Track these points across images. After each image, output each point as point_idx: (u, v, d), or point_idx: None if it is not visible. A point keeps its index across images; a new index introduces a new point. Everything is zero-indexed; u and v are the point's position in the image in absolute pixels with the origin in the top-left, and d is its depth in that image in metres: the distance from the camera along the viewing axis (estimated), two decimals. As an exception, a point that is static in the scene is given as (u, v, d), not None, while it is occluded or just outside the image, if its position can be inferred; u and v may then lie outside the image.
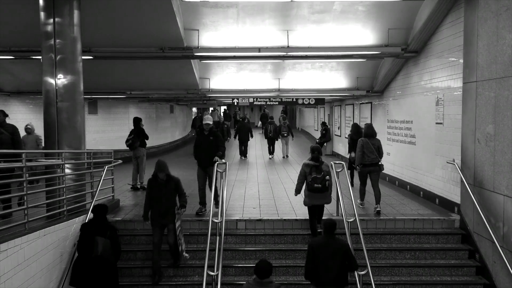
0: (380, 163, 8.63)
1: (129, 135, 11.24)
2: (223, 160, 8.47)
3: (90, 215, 7.10)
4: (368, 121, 14.35)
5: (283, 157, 18.57)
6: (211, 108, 37.56)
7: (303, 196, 7.59)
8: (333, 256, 5.44)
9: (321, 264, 5.45)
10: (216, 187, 7.93)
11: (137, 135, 11.22)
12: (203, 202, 8.70)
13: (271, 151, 18.59)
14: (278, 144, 19.90)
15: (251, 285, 5.12)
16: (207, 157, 8.41)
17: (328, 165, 7.56)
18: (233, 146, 22.01)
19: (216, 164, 8.11)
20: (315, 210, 7.52)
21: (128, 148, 11.33)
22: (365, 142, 8.66)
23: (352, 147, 10.40)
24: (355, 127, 10.79)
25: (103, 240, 6.15)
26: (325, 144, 19.98)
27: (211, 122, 8.63)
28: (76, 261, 6.37)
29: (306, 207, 7.67)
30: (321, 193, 7.30)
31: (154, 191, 7.08)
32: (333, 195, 7.75)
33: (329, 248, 5.49)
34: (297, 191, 7.66)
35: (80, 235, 6.33)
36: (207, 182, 8.77)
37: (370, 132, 8.88)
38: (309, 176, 7.31)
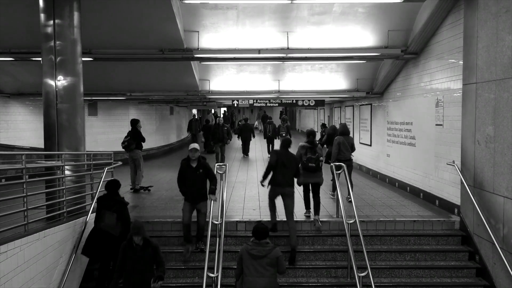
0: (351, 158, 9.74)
1: (126, 137, 11.19)
2: (216, 197, 7.36)
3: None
4: (368, 123, 14.37)
5: None
6: (213, 110, 37.56)
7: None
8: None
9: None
10: (203, 225, 7.41)
11: (133, 137, 11.13)
12: (188, 239, 7.47)
13: (270, 150, 18.83)
14: (277, 144, 19.89)
15: (250, 246, 5.64)
16: (196, 193, 7.28)
17: (320, 148, 8.45)
18: (232, 149, 22.03)
19: (211, 201, 7.27)
20: (308, 188, 8.19)
21: (124, 150, 11.26)
22: (341, 140, 9.47)
23: (328, 142, 11.25)
24: (344, 126, 10.58)
25: (109, 214, 6.59)
26: (325, 145, 19.93)
27: (198, 150, 7.29)
28: (90, 232, 6.88)
29: (306, 208, 8.37)
30: (314, 172, 7.96)
31: (128, 257, 5.80)
32: (334, 197, 7.80)
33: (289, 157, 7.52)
34: (299, 181, 8.05)
35: (96, 207, 6.93)
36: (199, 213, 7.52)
37: (346, 130, 9.78)
38: (304, 156, 7.96)
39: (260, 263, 5.55)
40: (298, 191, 8.33)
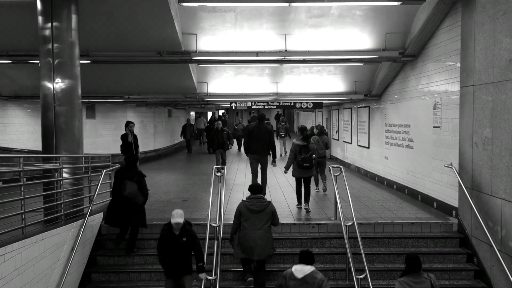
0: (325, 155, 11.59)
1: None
2: (206, 276, 6.14)
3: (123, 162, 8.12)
4: (366, 125, 14.39)
5: (281, 155, 19.46)
6: (214, 112, 37.26)
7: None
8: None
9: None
10: None
11: (123, 144, 10.91)
12: None
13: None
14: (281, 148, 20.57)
15: (248, 202, 6.60)
16: (179, 266, 5.97)
17: (313, 143, 9.59)
18: (231, 153, 22.01)
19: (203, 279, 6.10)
20: (301, 181, 8.97)
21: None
22: (316, 140, 10.80)
23: None
24: (321, 128, 14.29)
25: (131, 183, 7.38)
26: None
27: (181, 220, 5.88)
28: (110, 202, 7.69)
29: (305, 211, 8.88)
30: (309, 169, 8.82)
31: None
32: (331, 199, 7.82)
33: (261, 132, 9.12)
34: (287, 169, 9.16)
35: (114, 180, 7.63)
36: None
37: (322, 131, 12.34)
38: (299, 155, 8.72)
39: (258, 216, 6.49)
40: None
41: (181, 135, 23.95)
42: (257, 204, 6.56)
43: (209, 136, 19.74)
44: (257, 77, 13.98)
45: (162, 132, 24.57)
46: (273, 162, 9.73)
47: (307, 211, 8.82)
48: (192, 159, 21.30)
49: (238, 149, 23.48)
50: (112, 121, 19.99)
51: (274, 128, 27.90)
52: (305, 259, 5.16)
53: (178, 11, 8.90)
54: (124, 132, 11.16)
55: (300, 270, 5.05)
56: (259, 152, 9.52)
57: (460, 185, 7.65)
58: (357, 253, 6.94)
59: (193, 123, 25.30)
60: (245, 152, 9.87)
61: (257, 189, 6.85)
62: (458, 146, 7.82)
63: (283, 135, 20.67)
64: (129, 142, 10.91)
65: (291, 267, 5.16)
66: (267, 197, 10.39)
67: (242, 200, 6.77)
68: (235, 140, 22.36)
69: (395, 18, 9.49)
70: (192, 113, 35.81)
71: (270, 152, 9.66)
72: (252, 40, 10.10)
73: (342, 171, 8.22)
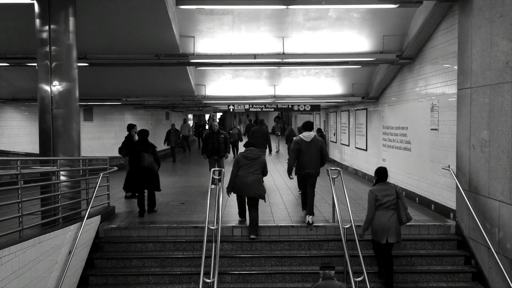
0: None
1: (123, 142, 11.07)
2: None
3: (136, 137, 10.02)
4: (363, 128, 14.41)
5: (277, 151, 22.53)
6: (211, 114, 37.04)
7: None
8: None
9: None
10: None
11: (124, 143, 10.93)
12: None
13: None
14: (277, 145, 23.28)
15: (244, 152, 8.18)
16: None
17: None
18: (227, 161, 21.94)
19: None
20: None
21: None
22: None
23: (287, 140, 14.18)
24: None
25: (148, 155, 8.81)
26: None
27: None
28: (128, 172, 9.28)
29: (303, 215, 8.63)
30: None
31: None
32: (329, 201, 7.83)
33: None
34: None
35: (131, 153, 9.16)
36: None
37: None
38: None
39: (252, 164, 7.98)
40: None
41: (164, 142, 21.15)
42: (252, 153, 8.12)
43: (204, 141, 18.88)
44: (254, 79, 14.00)
45: (160, 134, 24.53)
46: (270, 153, 12.76)
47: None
48: (191, 161, 21.25)
49: (234, 157, 23.26)
50: (110, 123, 19.98)
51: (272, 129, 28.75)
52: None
53: (176, 13, 8.91)
54: (126, 134, 11.18)
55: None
56: (259, 146, 11.19)
57: (457, 187, 7.67)
58: (355, 256, 6.95)
59: (179, 129, 23.31)
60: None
61: (250, 144, 8.44)
62: (456, 148, 7.83)
63: (278, 134, 24.36)
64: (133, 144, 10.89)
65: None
66: (265, 198, 10.41)
67: (240, 152, 8.40)
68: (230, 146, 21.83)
69: (393, 21, 9.52)
70: (190, 116, 35.71)
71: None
72: (249, 43, 10.11)
73: (340, 173, 8.22)
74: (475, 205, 7.09)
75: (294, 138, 8.98)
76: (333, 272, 5.43)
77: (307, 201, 8.37)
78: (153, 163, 8.90)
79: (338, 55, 10.23)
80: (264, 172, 8.21)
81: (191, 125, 31.87)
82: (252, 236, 7.85)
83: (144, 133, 9.19)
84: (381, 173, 7.02)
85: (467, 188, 7.38)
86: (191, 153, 24.31)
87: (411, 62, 10.19)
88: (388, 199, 6.76)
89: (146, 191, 9.12)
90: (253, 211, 7.96)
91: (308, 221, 8.10)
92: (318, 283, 5.45)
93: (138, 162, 8.81)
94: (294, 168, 8.54)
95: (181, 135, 22.92)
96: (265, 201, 8.32)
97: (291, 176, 8.79)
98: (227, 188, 8.23)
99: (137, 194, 9.26)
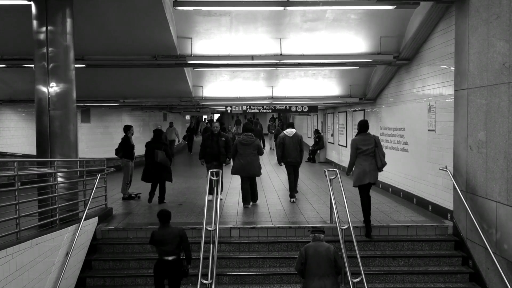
0: None
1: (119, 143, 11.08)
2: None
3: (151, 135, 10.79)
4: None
5: (270, 148, 24.62)
6: (206, 116, 36.89)
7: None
8: None
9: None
10: None
11: (121, 145, 10.95)
12: None
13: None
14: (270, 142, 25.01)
15: (240, 138, 9.59)
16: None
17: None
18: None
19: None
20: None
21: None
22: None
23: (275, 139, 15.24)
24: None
25: (161, 152, 10.04)
26: (318, 151, 20.11)
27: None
28: (145, 166, 10.31)
29: (302, 216, 8.82)
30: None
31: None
32: (327, 202, 7.85)
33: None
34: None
35: (146, 149, 10.30)
36: None
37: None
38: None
39: (248, 148, 9.42)
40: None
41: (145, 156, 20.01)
42: (247, 139, 9.51)
43: (202, 144, 18.10)
44: (252, 80, 14.00)
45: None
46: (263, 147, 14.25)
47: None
48: (189, 162, 21.25)
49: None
50: (107, 125, 19.95)
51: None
52: None
53: (173, 15, 8.91)
54: (123, 135, 11.13)
55: None
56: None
57: (455, 188, 7.68)
58: (352, 256, 6.94)
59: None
60: None
61: (247, 129, 9.78)
62: (453, 149, 7.85)
63: (272, 131, 25.55)
64: (131, 145, 11.01)
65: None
66: (263, 200, 10.43)
67: (238, 137, 9.75)
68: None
69: (390, 22, 9.55)
70: (188, 117, 35.59)
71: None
72: (247, 44, 10.12)
73: (337, 175, 8.22)
74: (472, 206, 7.10)
75: (280, 134, 10.77)
76: (322, 235, 5.89)
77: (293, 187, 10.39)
78: (165, 158, 10.12)
79: (335, 56, 10.24)
80: (260, 152, 9.75)
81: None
82: (245, 206, 9.67)
83: (159, 132, 10.49)
84: (362, 125, 8.02)
85: (464, 189, 7.39)
86: (173, 164, 23.56)
87: (408, 63, 10.21)
88: (367, 148, 7.76)
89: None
90: (253, 186, 9.86)
91: (293, 200, 10.14)
92: (309, 244, 5.88)
93: (152, 158, 10.05)
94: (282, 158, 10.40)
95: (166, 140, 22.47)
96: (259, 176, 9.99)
97: (280, 164, 10.65)
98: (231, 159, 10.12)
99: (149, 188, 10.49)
